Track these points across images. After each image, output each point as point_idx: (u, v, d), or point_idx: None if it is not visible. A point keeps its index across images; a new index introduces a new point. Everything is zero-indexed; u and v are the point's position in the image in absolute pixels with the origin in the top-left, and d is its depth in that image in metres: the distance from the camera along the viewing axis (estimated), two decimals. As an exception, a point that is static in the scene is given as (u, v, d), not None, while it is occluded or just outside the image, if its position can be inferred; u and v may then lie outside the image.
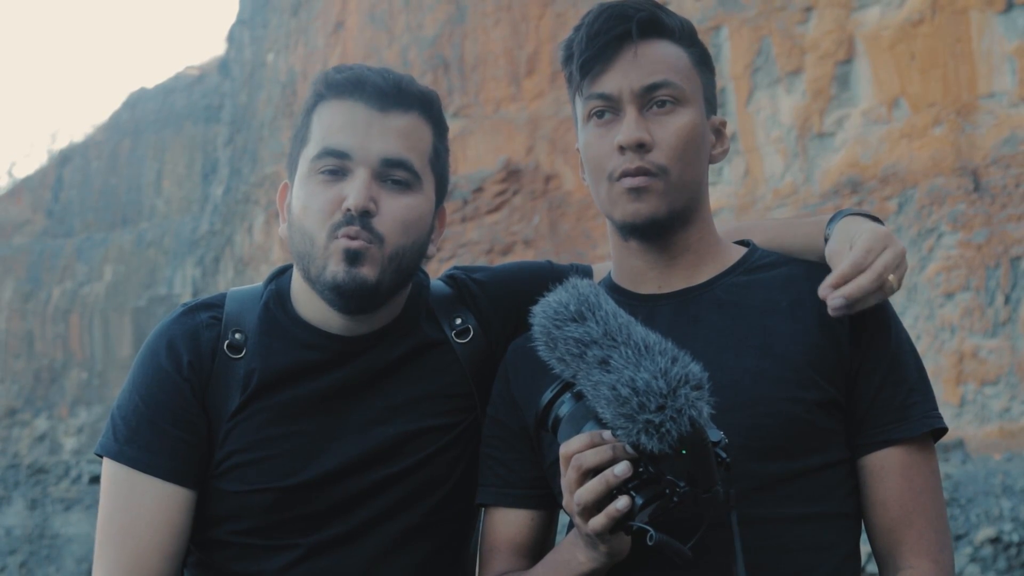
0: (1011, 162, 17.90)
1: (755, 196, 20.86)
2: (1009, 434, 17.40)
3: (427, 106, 1.95)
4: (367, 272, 1.87)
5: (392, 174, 1.90)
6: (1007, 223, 17.97)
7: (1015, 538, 14.25)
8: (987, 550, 14.29)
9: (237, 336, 1.95)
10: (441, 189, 2.01)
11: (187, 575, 2.00)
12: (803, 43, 20.56)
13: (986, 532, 14.36)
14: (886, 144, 19.34)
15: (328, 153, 1.89)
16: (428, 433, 1.97)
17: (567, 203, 23.84)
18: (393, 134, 1.90)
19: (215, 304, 2.00)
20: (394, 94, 1.91)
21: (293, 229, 1.93)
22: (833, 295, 1.71)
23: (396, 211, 1.89)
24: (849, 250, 1.76)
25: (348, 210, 1.86)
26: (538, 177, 24.22)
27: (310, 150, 1.92)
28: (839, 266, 1.73)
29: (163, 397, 1.92)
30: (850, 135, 19.88)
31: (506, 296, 2.08)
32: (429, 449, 1.97)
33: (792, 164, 20.58)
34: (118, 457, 1.91)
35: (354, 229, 1.86)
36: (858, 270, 1.72)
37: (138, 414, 1.92)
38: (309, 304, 1.97)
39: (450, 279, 2.13)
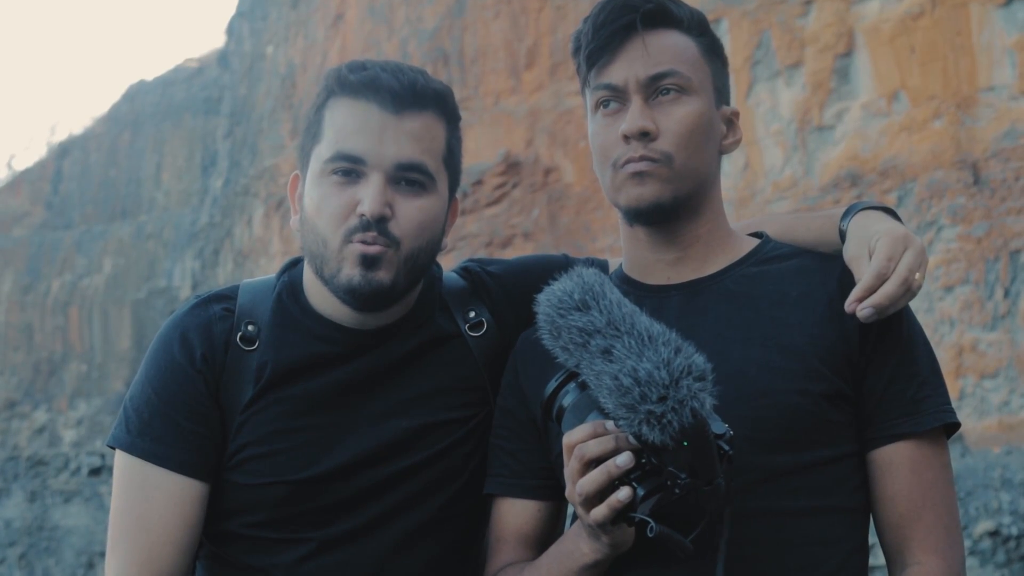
0: (1011, 155, 17.87)
1: (755, 189, 20.83)
2: (1008, 427, 17.39)
3: (441, 104, 1.94)
4: (383, 276, 1.87)
5: (406, 177, 1.89)
6: (1007, 216, 17.95)
7: (1014, 531, 14.26)
8: (986, 543, 14.30)
9: (250, 328, 1.95)
10: (454, 183, 2.00)
11: (200, 568, 2.00)
12: (803, 36, 20.52)
13: (985, 525, 14.37)
14: (886, 137, 19.31)
15: (342, 157, 1.88)
16: (442, 426, 1.97)
17: (567, 196, 23.81)
18: (407, 137, 1.89)
19: (228, 296, 2.00)
20: (408, 96, 1.89)
21: (306, 227, 1.93)
22: (861, 307, 1.71)
23: (412, 214, 1.89)
24: (869, 257, 1.75)
25: (363, 215, 1.86)
26: (538, 170, 24.18)
27: (323, 150, 1.91)
28: (862, 277, 1.72)
29: (176, 389, 1.91)
30: (850, 128, 19.85)
31: (520, 289, 2.07)
32: (443, 443, 1.96)
33: (792, 157, 20.55)
34: (131, 449, 1.91)
35: (371, 235, 1.85)
36: (882, 279, 1.71)
37: (151, 406, 1.92)
38: (322, 297, 1.96)
39: (465, 271, 2.13)
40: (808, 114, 20.34)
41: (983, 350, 17.96)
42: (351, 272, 1.87)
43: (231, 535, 1.95)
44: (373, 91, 1.88)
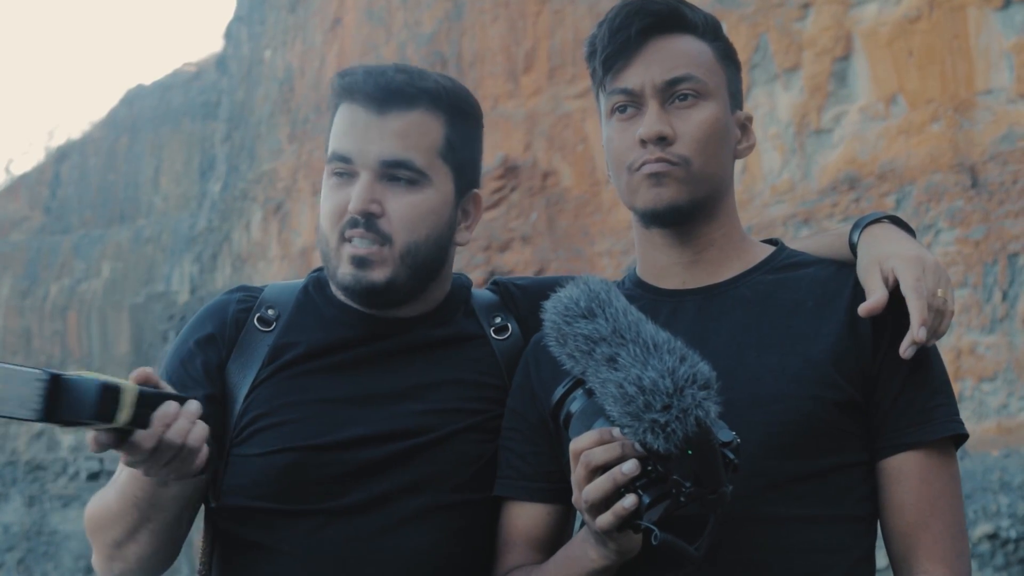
0: (1009, 158, 17.88)
1: (753, 193, 20.84)
2: (1007, 430, 17.39)
3: (434, 99, 1.98)
4: (376, 275, 1.93)
5: (395, 173, 1.94)
6: (1005, 219, 17.96)
7: (1012, 534, 14.26)
8: (985, 546, 14.30)
9: (269, 312, 2.03)
10: (462, 177, 2.04)
11: (216, 557, 2.02)
12: (801, 40, 20.53)
13: (984, 528, 14.37)
14: (884, 140, 19.32)
15: (335, 158, 1.97)
16: (455, 413, 1.99)
17: (565, 200, 23.81)
18: (390, 135, 1.94)
19: (255, 288, 2.10)
20: (387, 97, 1.94)
21: (319, 228, 2.03)
22: (906, 348, 1.73)
23: (402, 209, 1.94)
24: (881, 277, 1.76)
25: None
26: (536, 174, 24.18)
27: (328, 153, 1.99)
28: (914, 317, 1.72)
29: (176, 365, 2.01)
30: (848, 132, 19.86)
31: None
32: (454, 426, 1.97)
33: (790, 161, 20.56)
34: None
35: (359, 231, 1.93)
36: (932, 309, 1.73)
37: (167, 374, 2.00)
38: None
39: (494, 285, 2.19)
40: (806, 118, 20.35)
41: (981, 353, 17.96)
42: (345, 271, 1.95)
43: (240, 511, 1.97)
44: (354, 94, 1.97)
